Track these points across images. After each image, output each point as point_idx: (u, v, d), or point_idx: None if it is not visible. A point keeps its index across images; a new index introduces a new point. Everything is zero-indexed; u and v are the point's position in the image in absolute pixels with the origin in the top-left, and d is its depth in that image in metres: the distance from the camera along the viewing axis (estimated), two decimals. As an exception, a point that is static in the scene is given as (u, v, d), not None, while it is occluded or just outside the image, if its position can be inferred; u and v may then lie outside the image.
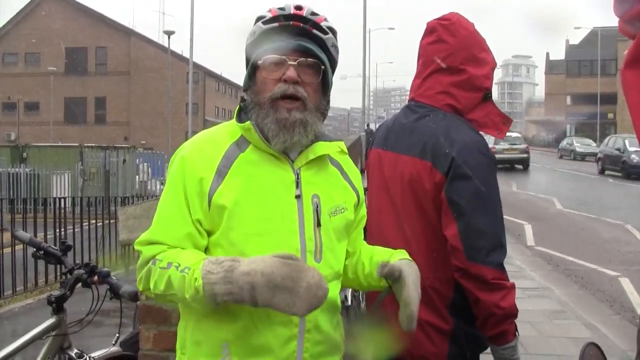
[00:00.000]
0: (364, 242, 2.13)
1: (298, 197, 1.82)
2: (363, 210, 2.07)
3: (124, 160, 24.02)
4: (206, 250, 1.81)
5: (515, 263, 9.65)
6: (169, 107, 40.51)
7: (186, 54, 36.84)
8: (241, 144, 1.86)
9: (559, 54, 71.45)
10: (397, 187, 2.36)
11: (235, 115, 1.93)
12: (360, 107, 44.89)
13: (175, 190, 1.81)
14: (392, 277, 1.86)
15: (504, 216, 2.34)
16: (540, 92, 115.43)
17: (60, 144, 30.37)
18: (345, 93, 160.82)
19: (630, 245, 11.75)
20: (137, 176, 25.14)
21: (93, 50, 52.30)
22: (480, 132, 2.39)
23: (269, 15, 1.88)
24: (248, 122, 1.83)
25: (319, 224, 1.83)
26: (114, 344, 3.32)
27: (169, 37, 40.24)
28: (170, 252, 1.73)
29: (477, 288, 2.18)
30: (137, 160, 25.96)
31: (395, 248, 2.07)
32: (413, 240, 2.30)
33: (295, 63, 1.81)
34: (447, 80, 2.37)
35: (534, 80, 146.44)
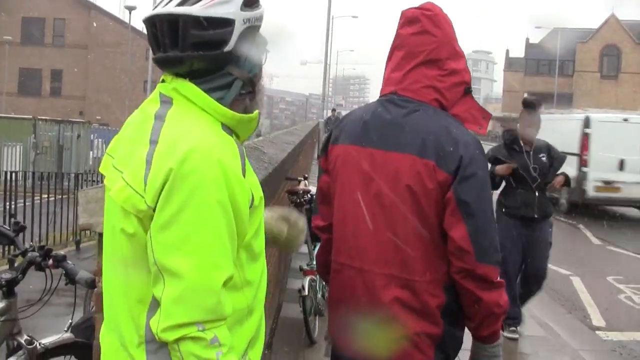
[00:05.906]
0: None
1: None
2: None
3: (79, 136, 23.48)
4: None
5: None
6: (127, 83, 39.90)
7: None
8: (228, 131, 1.64)
9: (518, 52, 72.00)
10: (388, 187, 2.20)
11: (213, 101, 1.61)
12: (318, 94, 44.77)
13: (227, 215, 1.50)
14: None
15: None
16: (498, 88, 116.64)
17: (12, 115, 29.53)
18: (305, 79, 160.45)
19: (582, 245, 11.96)
20: (91, 152, 24.69)
21: (51, 21, 50.97)
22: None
23: None
24: (256, 112, 1.70)
25: None
26: (66, 331, 3.19)
27: (130, 13, 39.58)
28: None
29: (480, 288, 2.13)
30: (92, 135, 25.50)
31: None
32: (408, 243, 2.16)
33: None
34: (433, 74, 2.26)
35: (492, 76, 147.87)
